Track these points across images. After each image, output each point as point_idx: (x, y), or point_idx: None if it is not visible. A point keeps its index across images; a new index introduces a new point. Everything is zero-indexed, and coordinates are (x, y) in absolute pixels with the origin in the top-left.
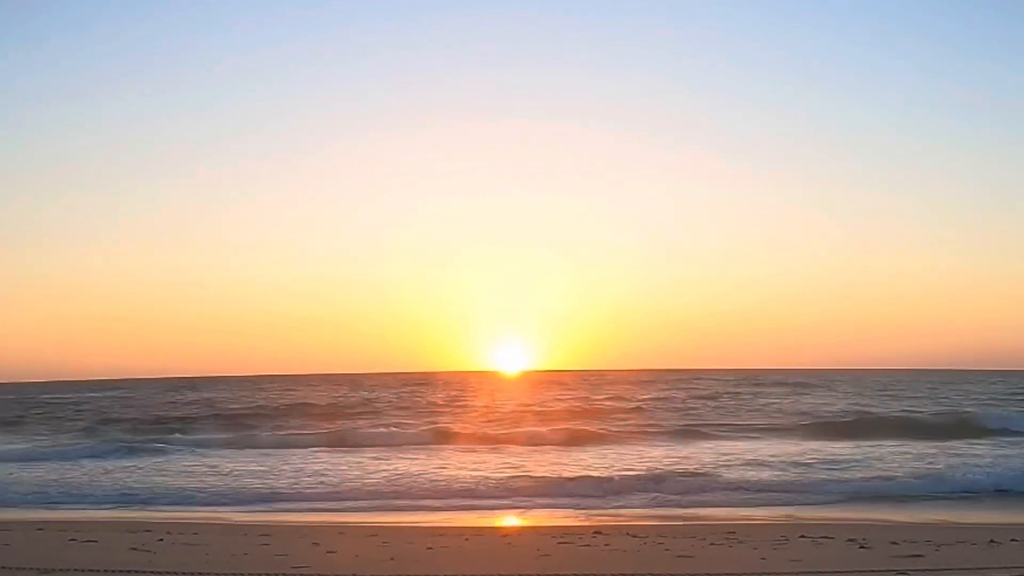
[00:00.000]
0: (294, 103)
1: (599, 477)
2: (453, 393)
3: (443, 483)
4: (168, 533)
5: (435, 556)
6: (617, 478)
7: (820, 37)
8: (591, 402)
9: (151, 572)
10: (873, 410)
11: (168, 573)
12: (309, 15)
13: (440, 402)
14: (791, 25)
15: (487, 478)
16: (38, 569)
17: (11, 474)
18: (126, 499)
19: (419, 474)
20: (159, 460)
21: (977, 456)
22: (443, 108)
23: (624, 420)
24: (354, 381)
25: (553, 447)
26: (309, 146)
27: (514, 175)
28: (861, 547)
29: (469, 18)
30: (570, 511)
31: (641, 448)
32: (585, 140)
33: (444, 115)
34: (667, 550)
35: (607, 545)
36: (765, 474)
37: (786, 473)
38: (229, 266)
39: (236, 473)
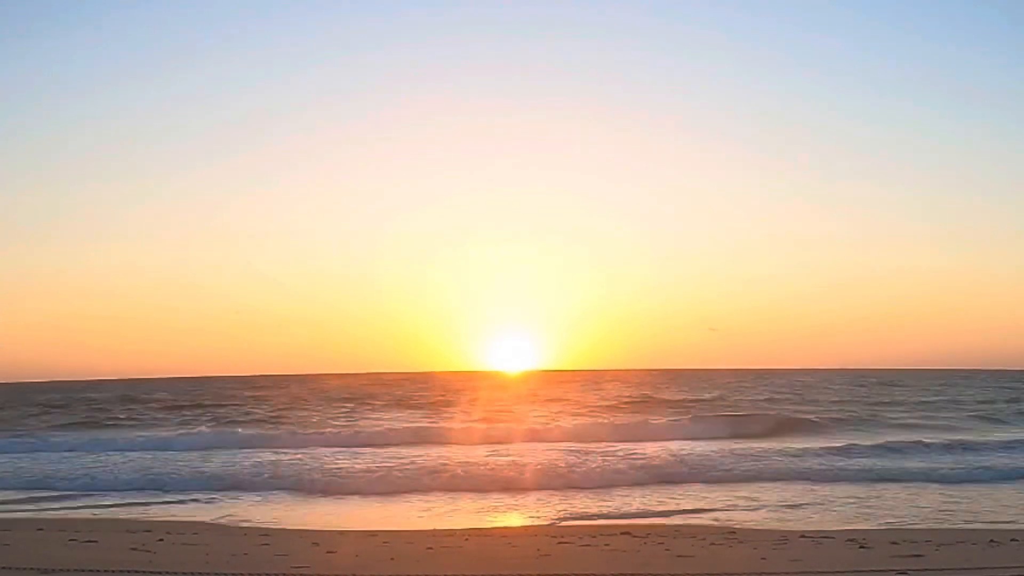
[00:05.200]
0: (290, 100)
1: None
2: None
3: None
4: (168, 533)
5: (435, 556)
6: None
7: (836, 36)
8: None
9: (151, 572)
10: None
11: (168, 573)
12: (299, 11)
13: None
14: (814, 27)
15: None
16: (38, 569)
17: None
18: None
19: None
20: None
21: None
22: (446, 103)
23: None
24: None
25: None
26: (310, 142)
27: (517, 172)
28: (861, 547)
29: (474, 7)
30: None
31: None
32: (592, 136)
33: (449, 111)
34: (667, 550)
35: (607, 545)
36: None
37: None
38: (227, 265)
39: None
